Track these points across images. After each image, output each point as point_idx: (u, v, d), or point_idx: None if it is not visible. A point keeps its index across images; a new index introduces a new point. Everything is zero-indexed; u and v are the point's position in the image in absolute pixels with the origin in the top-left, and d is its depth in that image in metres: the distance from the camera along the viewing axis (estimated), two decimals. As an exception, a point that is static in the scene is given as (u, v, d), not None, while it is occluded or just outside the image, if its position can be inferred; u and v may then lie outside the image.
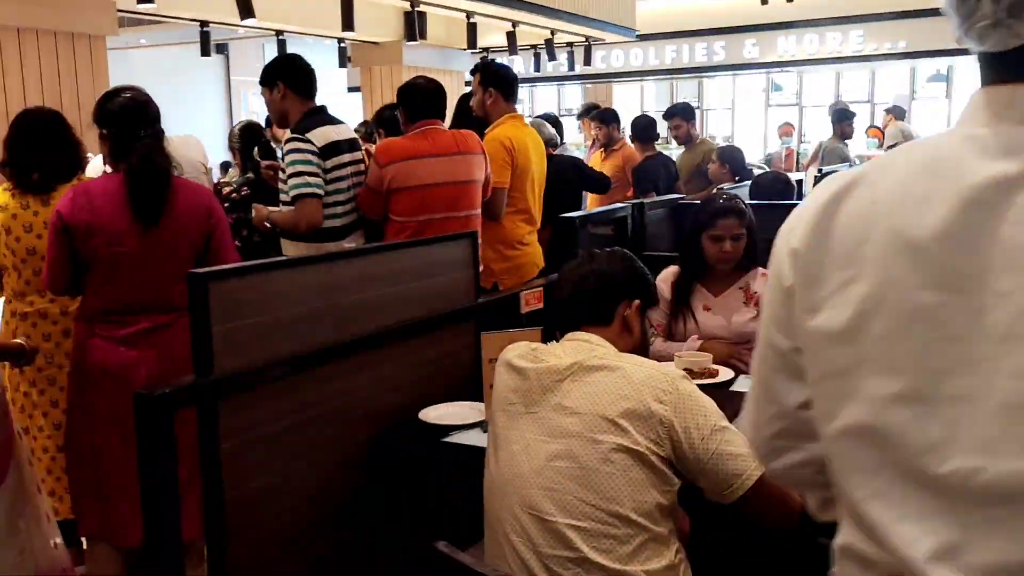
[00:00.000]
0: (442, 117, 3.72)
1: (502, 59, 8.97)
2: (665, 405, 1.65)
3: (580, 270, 1.93)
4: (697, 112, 14.62)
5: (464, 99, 4.39)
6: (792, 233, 0.93)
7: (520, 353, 1.82)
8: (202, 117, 12.46)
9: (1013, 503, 0.77)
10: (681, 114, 6.18)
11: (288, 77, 3.51)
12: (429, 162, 3.56)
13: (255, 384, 2.01)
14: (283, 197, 3.49)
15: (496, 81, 4.05)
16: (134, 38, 10.82)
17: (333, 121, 3.58)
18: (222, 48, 14.08)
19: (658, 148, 6.25)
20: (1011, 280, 0.78)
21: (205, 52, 7.46)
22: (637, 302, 1.90)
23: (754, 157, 11.05)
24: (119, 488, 2.49)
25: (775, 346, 0.97)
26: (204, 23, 7.11)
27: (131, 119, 2.58)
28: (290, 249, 3.54)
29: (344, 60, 8.38)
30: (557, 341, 1.91)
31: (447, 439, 2.23)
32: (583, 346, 1.79)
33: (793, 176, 7.36)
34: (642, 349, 1.90)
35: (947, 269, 0.80)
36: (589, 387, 1.69)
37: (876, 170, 0.89)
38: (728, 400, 2.49)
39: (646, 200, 4.33)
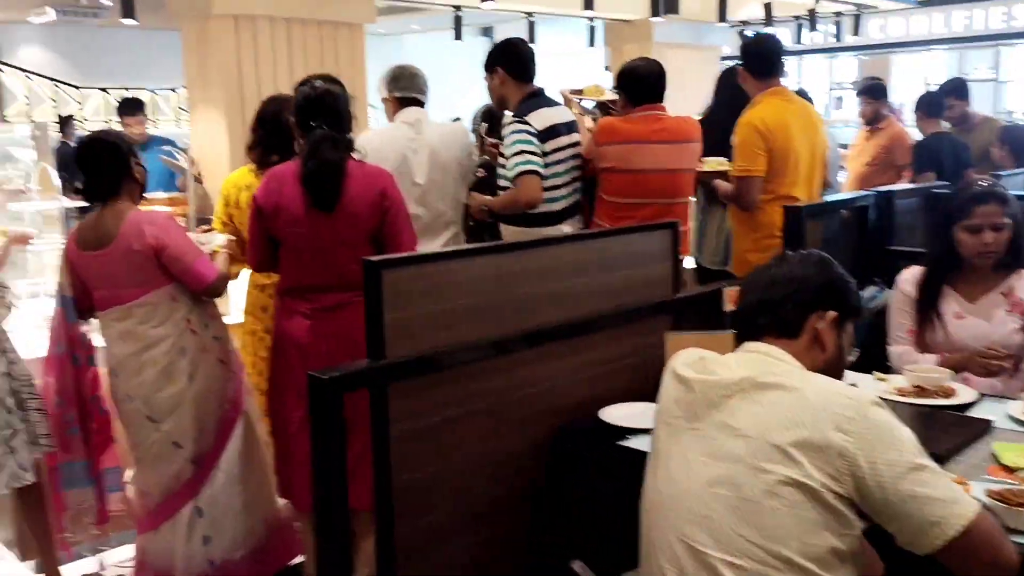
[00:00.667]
0: (662, 100, 3.62)
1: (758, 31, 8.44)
2: (848, 436, 1.41)
3: (767, 274, 1.71)
4: (993, 85, 13.01)
5: (724, 75, 4.23)
6: None
7: (688, 361, 1.65)
8: (468, 99, 12.96)
9: None
10: (954, 92, 5.44)
11: (506, 62, 3.56)
12: (648, 148, 3.51)
13: (426, 371, 2.01)
14: (502, 183, 3.54)
15: (744, 56, 3.81)
16: (405, 24, 11.46)
17: (551, 104, 3.62)
18: (488, 31, 14.57)
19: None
20: None
21: (458, 36, 7.73)
22: (833, 314, 1.65)
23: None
24: (299, 454, 2.63)
25: None
26: (457, 7, 7.36)
27: (305, 110, 2.69)
28: (508, 234, 3.57)
29: (592, 39, 8.31)
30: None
31: (624, 443, 2.11)
32: (760, 360, 1.59)
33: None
34: (835, 369, 1.65)
35: None
36: (759, 407, 1.50)
37: None
38: (959, 426, 2.14)
39: (894, 187, 3.86)
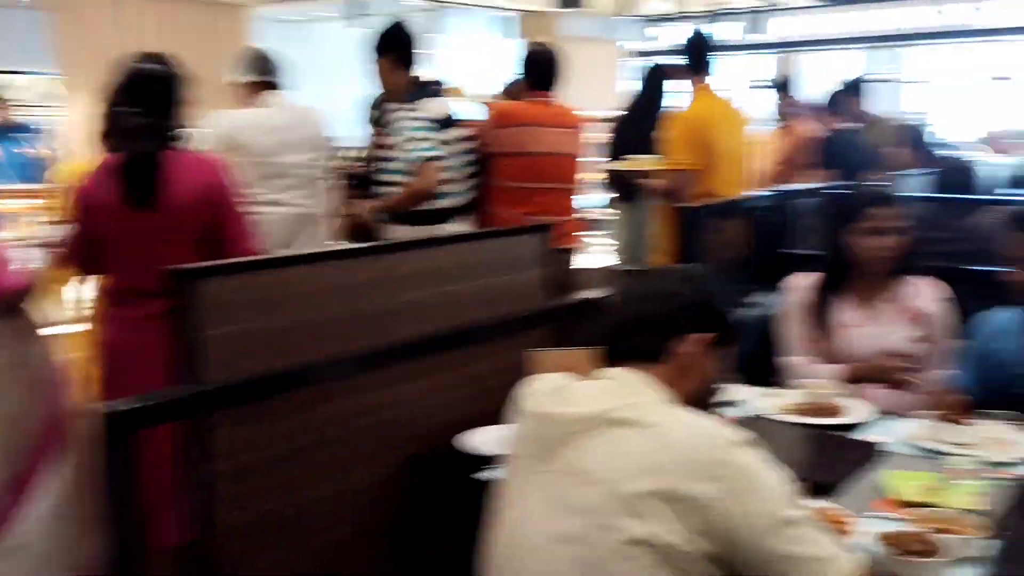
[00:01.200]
0: (553, 87, 3.64)
1: (665, 29, 8.34)
2: (713, 484, 1.20)
3: (634, 291, 1.50)
4: (894, 86, 13.26)
5: (650, 73, 4.34)
6: None
7: (541, 390, 1.42)
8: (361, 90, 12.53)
9: None
10: (851, 90, 5.41)
11: (394, 47, 3.37)
12: (543, 131, 3.52)
13: (251, 399, 1.73)
14: (389, 177, 3.32)
15: (685, 51, 3.91)
16: (313, 11, 11.02)
17: (441, 94, 3.47)
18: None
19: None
20: None
21: (353, 24, 7.48)
22: (706, 336, 1.43)
23: (967, 139, 9.79)
24: None
25: None
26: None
27: (120, 95, 2.42)
28: (399, 234, 3.34)
29: (506, 31, 8.12)
30: None
31: (480, 475, 1.86)
32: (618, 389, 1.36)
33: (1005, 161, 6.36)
34: (706, 399, 1.45)
35: None
36: (612, 448, 1.27)
37: None
38: (848, 450, 1.97)
39: (791, 187, 3.79)
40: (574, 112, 3.70)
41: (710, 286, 1.49)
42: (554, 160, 3.54)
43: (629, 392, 1.35)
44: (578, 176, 3.71)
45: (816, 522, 1.23)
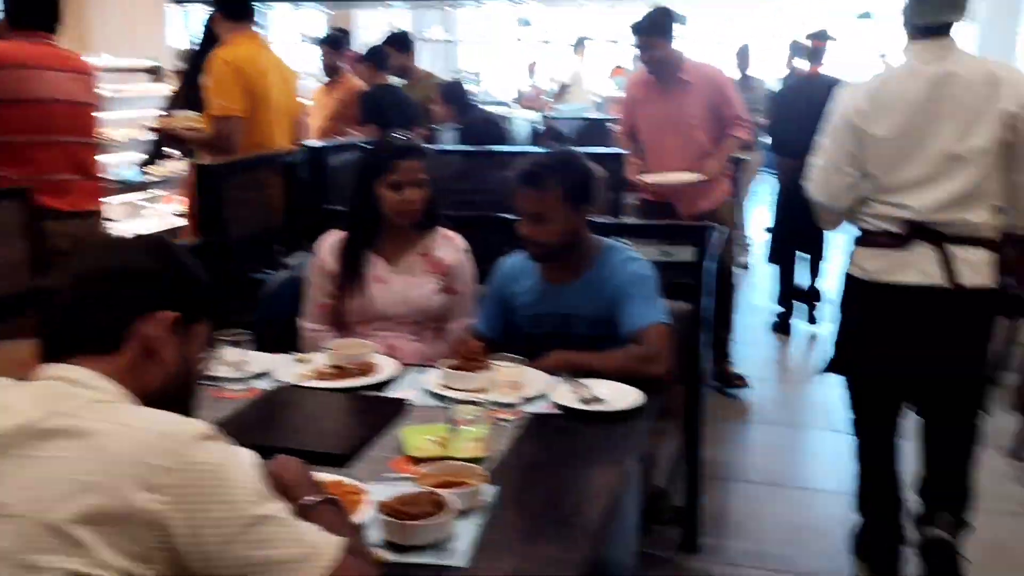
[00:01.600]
0: (53, 27, 3.15)
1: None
2: (161, 495, 1.00)
3: (79, 267, 1.22)
4: (448, 46, 13.99)
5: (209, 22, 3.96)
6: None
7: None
8: None
9: None
10: (395, 44, 5.51)
11: None
12: (47, 75, 3.05)
13: None
14: None
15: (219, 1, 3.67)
16: None
17: None
18: None
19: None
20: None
21: None
22: (171, 315, 1.21)
23: (507, 96, 10.61)
24: None
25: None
26: None
27: None
28: None
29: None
30: None
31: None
32: (59, 391, 1.11)
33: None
34: (181, 389, 1.24)
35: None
36: (36, 468, 1.02)
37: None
38: (371, 412, 1.92)
39: (325, 143, 3.72)
40: (80, 57, 3.28)
41: (174, 255, 1.28)
42: (64, 109, 3.07)
43: (72, 393, 1.10)
44: (96, 129, 3.28)
45: (288, 516, 1.11)
